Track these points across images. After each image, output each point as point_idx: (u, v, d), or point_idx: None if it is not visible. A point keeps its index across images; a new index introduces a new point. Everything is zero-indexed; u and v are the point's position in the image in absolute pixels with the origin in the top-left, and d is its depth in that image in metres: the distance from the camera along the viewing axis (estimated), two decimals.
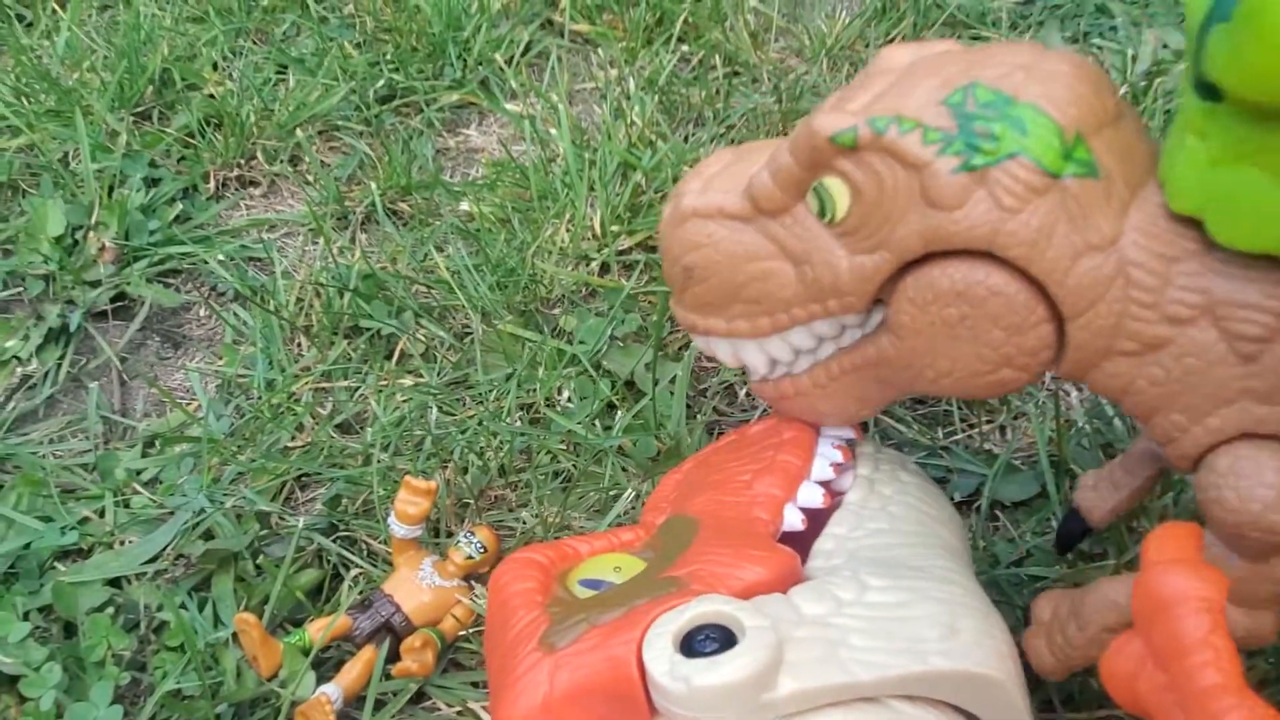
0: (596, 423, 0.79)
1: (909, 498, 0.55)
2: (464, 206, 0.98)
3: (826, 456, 0.56)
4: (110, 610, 0.71)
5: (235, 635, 0.68)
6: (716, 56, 1.11)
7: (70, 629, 0.71)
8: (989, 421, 0.78)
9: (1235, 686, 0.39)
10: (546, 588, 0.51)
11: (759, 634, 0.41)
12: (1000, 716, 0.46)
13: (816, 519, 0.54)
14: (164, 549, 0.75)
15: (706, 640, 0.42)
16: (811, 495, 0.54)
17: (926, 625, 0.44)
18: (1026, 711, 0.46)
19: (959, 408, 0.78)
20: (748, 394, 0.82)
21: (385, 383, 0.84)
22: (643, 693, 0.42)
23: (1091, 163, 0.43)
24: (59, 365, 0.89)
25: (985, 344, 0.45)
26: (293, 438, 0.81)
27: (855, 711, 0.42)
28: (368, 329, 0.88)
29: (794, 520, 0.54)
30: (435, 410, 0.81)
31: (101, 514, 0.77)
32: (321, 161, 1.05)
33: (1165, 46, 1.06)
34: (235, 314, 0.92)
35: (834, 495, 0.55)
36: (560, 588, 0.52)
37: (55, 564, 0.75)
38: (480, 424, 0.79)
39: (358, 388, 0.84)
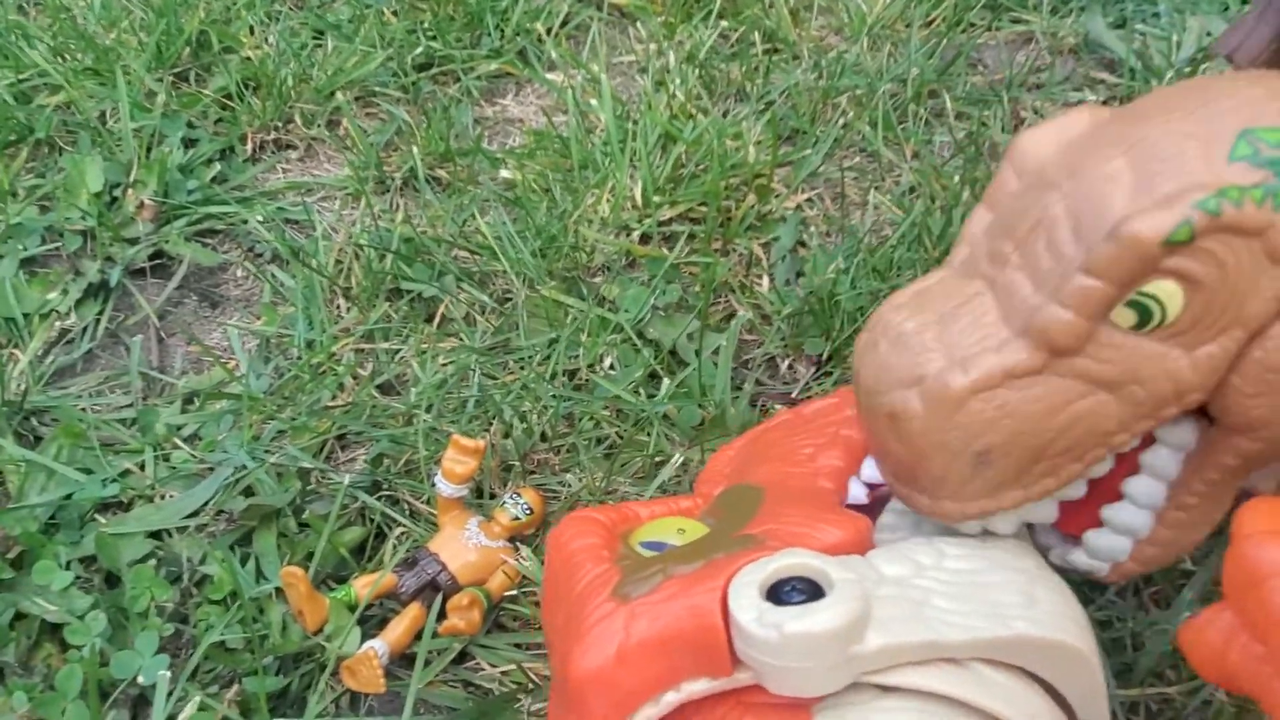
0: (640, 390, 0.78)
1: None
2: (504, 174, 0.97)
3: None
4: (152, 562, 0.71)
5: (278, 590, 0.68)
6: (756, 33, 1.11)
7: (111, 580, 0.71)
8: None
9: None
10: (611, 545, 0.51)
11: (848, 586, 0.41)
12: (1079, 686, 0.45)
13: (878, 496, 0.54)
14: (205, 504, 0.74)
15: (794, 591, 0.41)
16: (875, 470, 0.54)
17: (1007, 592, 0.44)
18: (1104, 684, 0.46)
19: None
20: (790, 366, 0.82)
21: (427, 345, 0.83)
22: (725, 642, 0.42)
23: None
24: (97, 321, 0.89)
25: None
26: (333, 397, 0.81)
27: (939, 671, 0.42)
28: (408, 292, 0.87)
29: (858, 493, 0.53)
30: (478, 373, 0.80)
31: (142, 467, 0.77)
32: (360, 127, 1.05)
33: (1209, 35, 1.05)
34: (273, 275, 0.92)
35: None
36: (624, 547, 0.51)
37: (96, 516, 0.75)
38: (524, 387, 0.78)
39: (399, 350, 0.84)
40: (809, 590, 0.41)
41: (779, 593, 0.41)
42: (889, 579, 0.44)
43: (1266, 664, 0.39)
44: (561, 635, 0.47)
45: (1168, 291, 0.41)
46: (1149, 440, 0.48)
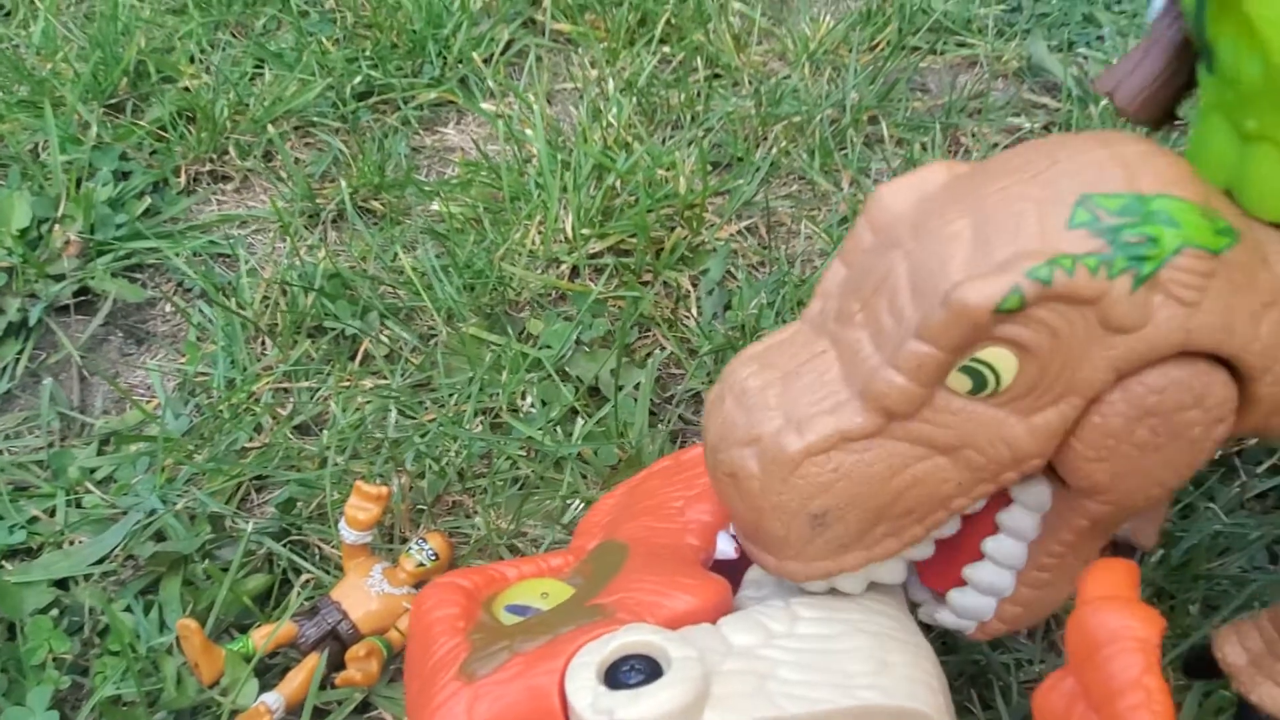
0: (558, 429, 0.78)
1: None
2: (434, 206, 0.97)
3: None
4: (54, 612, 0.70)
5: (178, 641, 0.67)
6: (698, 58, 1.10)
7: (12, 630, 0.70)
8: None
9: None
10: (471, 614, 0.50)
11: (685, 665, 0.40)
12: None
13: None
14: (113, 550, 0.73)
15: (631, 671, 0.40)
16: None
17: (857, 659, 0.43)
18: None
19: None
20: None
21: (347, 384, 0.82)
22: None
23: (1230, 227, 0.41)
24: (18, 360, 0.88)
25: (1189, 436, 0.42)
26: (251, 438, 0.80)
27: None
28: (332, 329, 0.86)
29: (726, 548, 0.53)
30: (395, 413, 0.79)
31: (52, 513, 0.76)
32: (295, 158, 1.04)
33: None
34: (200, 311, 0.91)
35: None
36: (485, 614, 0.50)
37: (3, 563, 0.74)
38: (439, 428, 0.77)
39: (319, 389, 0.83)
40: (647, 669, 0.40)
41: (617, 672, 0.41)
42: (736, 650, 0.43)
43: None
44: (414, 709, 0.46)
45: (1001, 358, 0.40)
46: (1006, 500, 0.47)
